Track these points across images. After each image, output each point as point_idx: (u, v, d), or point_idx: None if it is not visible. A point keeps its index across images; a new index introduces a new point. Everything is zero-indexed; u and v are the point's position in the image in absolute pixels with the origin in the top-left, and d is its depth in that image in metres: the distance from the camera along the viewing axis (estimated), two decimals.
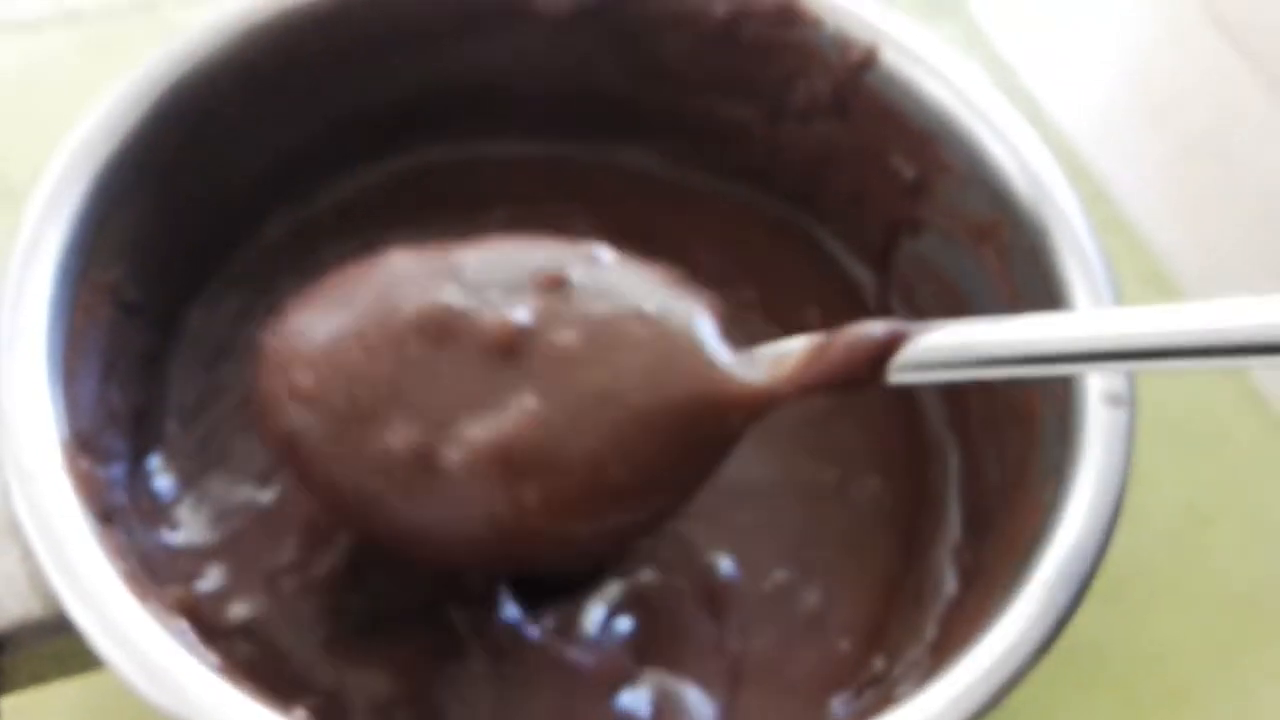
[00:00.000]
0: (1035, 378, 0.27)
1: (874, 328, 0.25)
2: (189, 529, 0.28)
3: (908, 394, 0.32)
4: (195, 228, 0.31)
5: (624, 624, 0.28)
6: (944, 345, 0.24)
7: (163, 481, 0.29)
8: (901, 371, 0.24)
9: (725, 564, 0.29)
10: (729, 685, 0.28)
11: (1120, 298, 0.28)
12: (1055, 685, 0.32)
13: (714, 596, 0.29)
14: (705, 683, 0.28)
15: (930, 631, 0.28)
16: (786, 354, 0.25)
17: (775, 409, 0.25)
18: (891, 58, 0.31)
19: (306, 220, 0.33)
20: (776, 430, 0.30)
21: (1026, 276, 0.29)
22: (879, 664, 0.28)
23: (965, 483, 0.30)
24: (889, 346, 0.24)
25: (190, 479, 0.29)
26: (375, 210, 0.33)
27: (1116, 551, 0.25)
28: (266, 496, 0.29)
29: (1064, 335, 0.24)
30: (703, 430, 0.25)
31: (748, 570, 0.29)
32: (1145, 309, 0.23)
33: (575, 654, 0.27)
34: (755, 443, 0.30)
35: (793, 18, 0.31)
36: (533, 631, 0.27)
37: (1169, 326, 0.22)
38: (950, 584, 0.29)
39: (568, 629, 0.28)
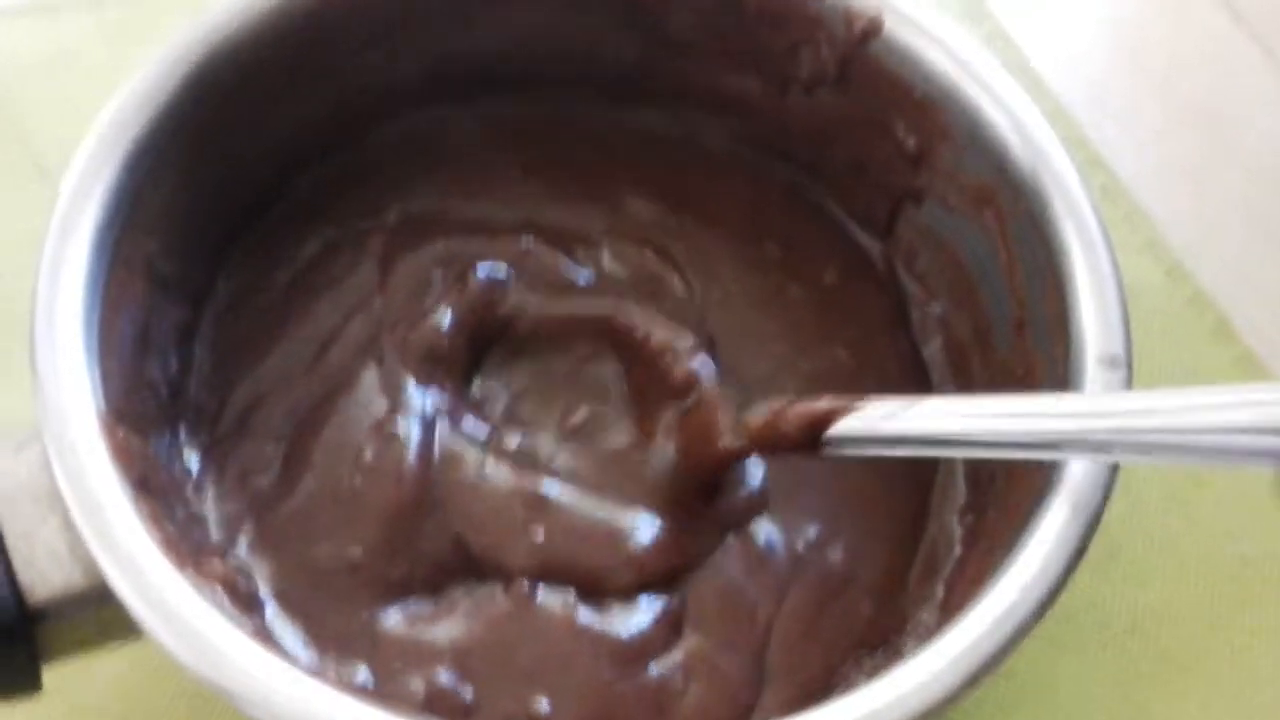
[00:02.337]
0: (944, 457, 0.31)
1: (809, 406, 0.28)
2: (218, 498, 0.29)
3: (918, 358, 0.33)
4: (223, 198, 0.31)
5: (669, 596, 0.29)
6: (858, 429, 0.27)
7: (192, 450, 0.30)
8: (830, 446, 0.28)
9: (765, 528, 0.30)
10: (759, 648, 0.29)
11: (1117, 263, 0.28)
12: (1055, 646, 0.33)
13: (755, 561, 0.30)
14: (736, 648, 0.29)
15: (939, 592, 0.29)
16: (759, 414, 0.29)
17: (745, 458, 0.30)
18: (894, 27, 0.31)
19: (322, 182, 0.34)
20: (802, 386, 0.32)
21: (1025, 242, 0.29)
22: (894, 624, 0.29)
23: None
24: (818, 424, 0.27)
25: (218, 448, 0.30)
26: (388, 169, 0.34)
27: (1113, 516, 0.26)
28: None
29: (950, 425, 0.26)
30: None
31: (785, 528, 0.30)
32: (1049, 398, 0.26)
33: (614, 627, 0.28)
34: None
35: None
36: (572, 606, 0.29)
37: (1064, 424, 0.24)
38: (957, 546, 0.30)
39: (607, 603, 0.29)
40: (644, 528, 0.29)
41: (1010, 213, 0.30)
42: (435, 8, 0.33)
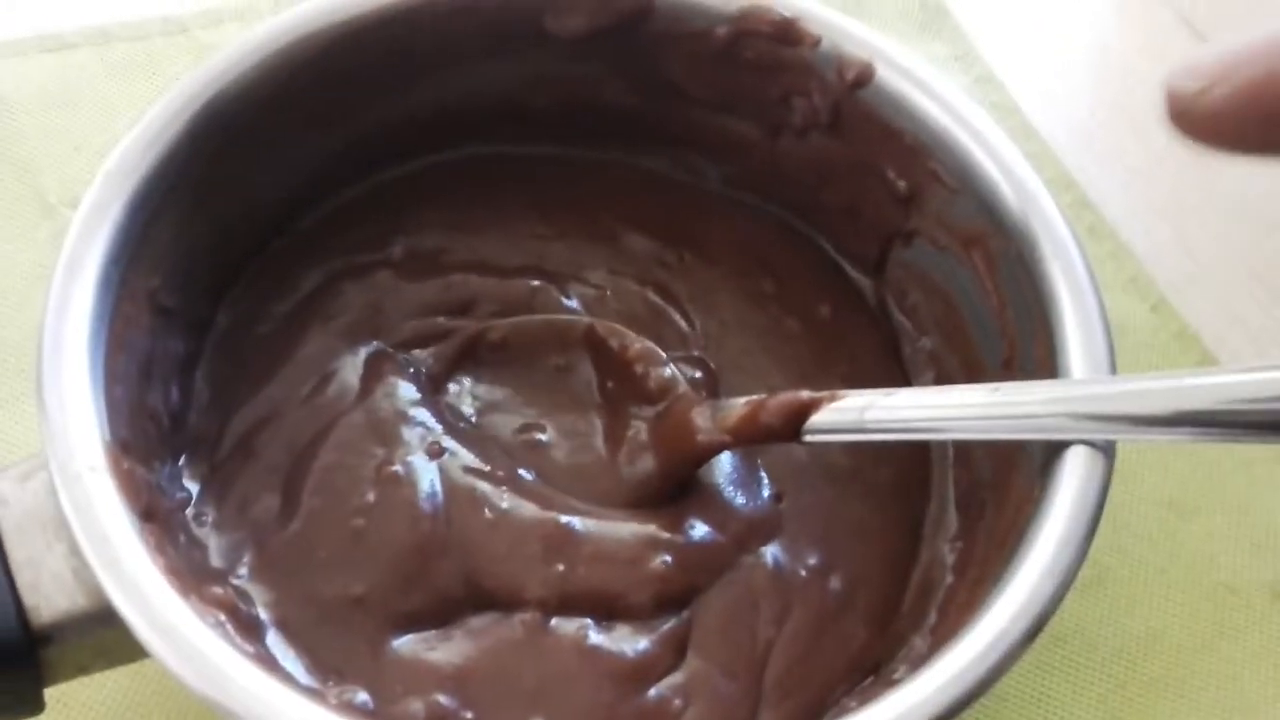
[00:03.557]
0: (919, 442, 0.32)
1: (793, 397, 0.29)
2: (218, 525, 0.29)
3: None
4: (227, 235, 0.32)
5: (676, 619, 0.29)
6: (838, 419, 0.29)
7: (193, 478, 0.30)
8: (812, 434, 0.29)
9: (772, 550, 0.31)
10: (758, 670, 0.29)
11: (1103, 301, 0.29)
12: (1045, 671, 0.33)
13: (764, 583, 0.30)
14: (735, 671, 0.29)
15: (931, 618, 0.29)
16: (735, 408, 0.30)
17: (722, 451, 0.31)
18: (885, 75, 0.32)
19: (327, 217, 0.34)
20: None
21: (1014, 283, 0.30)
22: (887, 649, 0.29)
23: (959, 476, 0.32)
24: (800, 414, 0.29)
25: (217, 475, 0.30)
26: (393, 205, 0.35)
27: (1102, 544, 0.27)
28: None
29: (926, 413, 0.28)
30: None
31: (791, 554, 0.31)
32: (1019, 387, 0.27)
33: (621, 648, 0.29)
34: None
35: (792, 38, 0.32)
36: (585, 629, 0.29)
37: (1021, 409, 0.26)
38: (948, 573, 0.30)
39: (613, 626, 0.29)
40: (663, 546, 0.30)
41: (999, 254, 0.30)
42: (441, 56, 0.33)
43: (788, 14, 0.32)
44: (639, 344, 0.33)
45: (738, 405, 0.30)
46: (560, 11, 0.33)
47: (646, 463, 0.31)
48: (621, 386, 0.33)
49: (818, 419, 0.29)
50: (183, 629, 0.24)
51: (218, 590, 0.27)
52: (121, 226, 0.28)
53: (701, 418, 0.31)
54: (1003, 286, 0.30)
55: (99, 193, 0.28)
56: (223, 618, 0.26)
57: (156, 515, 0.26)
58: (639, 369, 0.32)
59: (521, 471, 0.31)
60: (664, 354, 0.33)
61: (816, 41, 0.32)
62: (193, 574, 0.26)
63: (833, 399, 0.29)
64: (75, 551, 0.25)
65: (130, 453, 0.27)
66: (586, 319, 0.33)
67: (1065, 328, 0.28)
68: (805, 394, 0.29)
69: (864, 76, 0.32)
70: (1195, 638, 0.34)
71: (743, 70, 0.33)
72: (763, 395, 0.30)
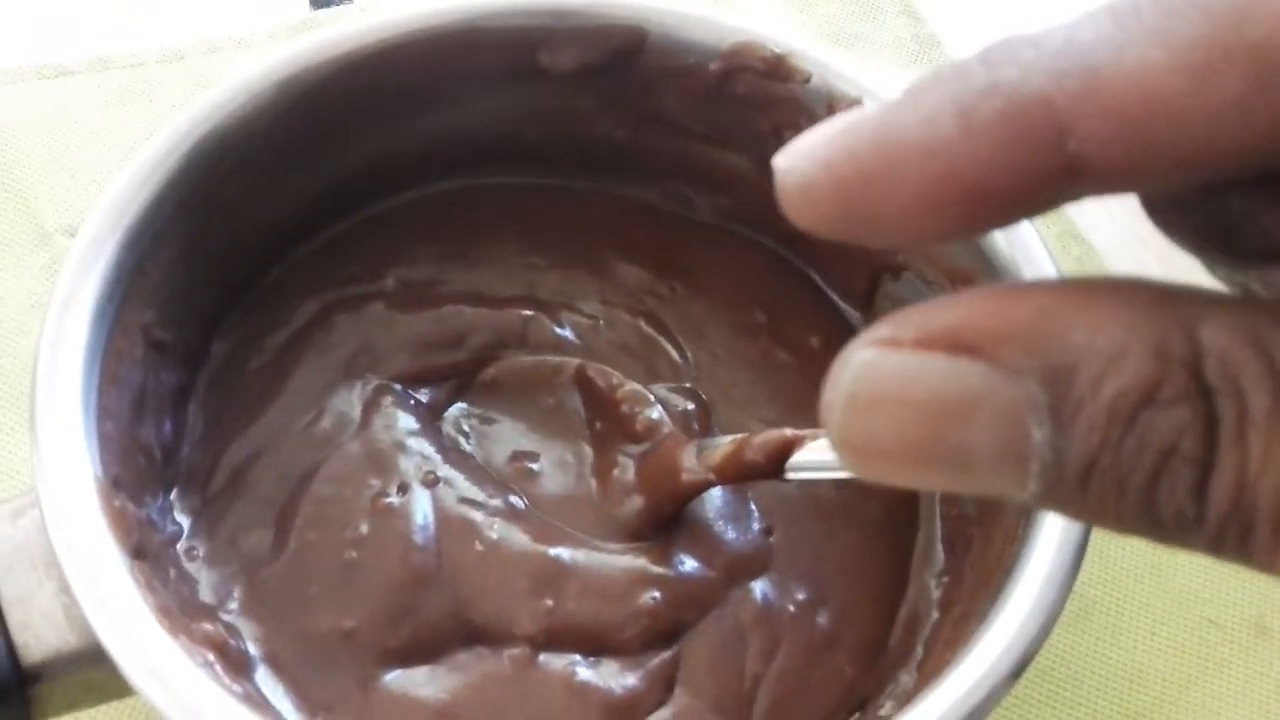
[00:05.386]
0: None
1: (777, 435, 0.29)
2: (209, 559, 0.30)
3: None
4: (221, 268, 0.32)
5: (664, 654, 0.30)
6: (818, 458, 0.28)
7: (184, 512, 0.30)
8: (794, 471, 0.29)
9: (761, 585, 0.31)
10: (746, 708, 0.29)
11: None
12: (1030, 705, 0.33)
13: (751, 620, 0.30)
14: (724, 707, 0.29)
15: (917, 654, 0.29)
16: (720, 446, 0.30)
17: (708, 489, 0.31)
18: None
19: (321, 249, 0.35)
20: None
21: None
22: (874, 686, 0.29)
23: (946, 512, 0.32)
24: (783, 451, 0.29)
25: (209, 509, 0.30)
26: (387, 237, 0.35)
27: (1088, 577, 0.27)
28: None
29: None
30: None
31: (780, 589, 0.31)
32: None
33: (609, 684, 0.29)
34: None
35: (782, 74, 0.33)
36: (573, 665, 0.29)
37: None
38: (934, 609, 0.30)
39: (601, 661, 0.29)
40: (652, 581, 0.30)
41: None
42: (436, 90, 0.33)
43: (779, 50, 0.33)
44: (627, 386, 0.33)
45: (723, 443, 0.30)
46: (554, 48, 0.33)
47: (634, 500, 0.32)
48: (609, 426, 0.33)
49: (799, 457, 0.29)
50: (170, 669, 0.24)
51: (207, 627, 0.27)
52: (115, 262, 0.28)
53: (687, 456, 0.31)
54: None
55: (93, 229, 0.28)
56: (211, 656, 0.26)
57: (147, 552, 0.26)
58: (626, 409, 0.32)
59: (514, 499, 0.31)
60: (651, 396, 0.33)
61: (807, 78, 0.33)
62: (182, 611, 0.27)
63: (814, 437, 0.29)
64: (65, 589, 0.25)
65: (121, 489, 0.27)
66: (576, 361, 0.34)
67: None
68: (789, 432, 0.29)
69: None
70: (1180, 672, 0.34)
71: (734, 105, 0.34)
72: (747, 434, 0.30)
